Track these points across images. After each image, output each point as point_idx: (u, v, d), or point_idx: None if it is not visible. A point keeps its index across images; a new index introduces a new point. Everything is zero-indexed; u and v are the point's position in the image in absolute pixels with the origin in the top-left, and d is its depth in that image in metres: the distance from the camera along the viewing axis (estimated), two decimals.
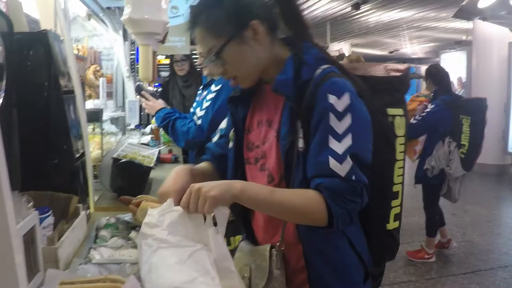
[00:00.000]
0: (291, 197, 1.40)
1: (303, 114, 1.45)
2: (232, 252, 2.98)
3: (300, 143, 1.46)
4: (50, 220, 1.56)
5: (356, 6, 11.21)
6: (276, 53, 1.56)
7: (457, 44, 15.50)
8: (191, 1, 5.25)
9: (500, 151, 10.33)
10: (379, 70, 1.69)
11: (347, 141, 1.39)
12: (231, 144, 1.71)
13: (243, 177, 1.65)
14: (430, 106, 4.84)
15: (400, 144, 1.66)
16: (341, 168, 1.36)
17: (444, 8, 11.46)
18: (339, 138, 1.39)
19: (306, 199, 1.38)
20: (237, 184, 1.37)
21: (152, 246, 1.30)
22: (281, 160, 1.50)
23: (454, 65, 12.74)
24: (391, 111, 1.64)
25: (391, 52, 21.29)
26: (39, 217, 1.46)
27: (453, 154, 4.90)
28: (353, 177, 1.37)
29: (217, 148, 1.81)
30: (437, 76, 5.13)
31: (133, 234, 1.75)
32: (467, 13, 7.17)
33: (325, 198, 1.35)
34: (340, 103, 1.41)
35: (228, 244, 3.05)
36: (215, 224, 1.36)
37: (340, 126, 1.40)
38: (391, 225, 1.66)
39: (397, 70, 1.69)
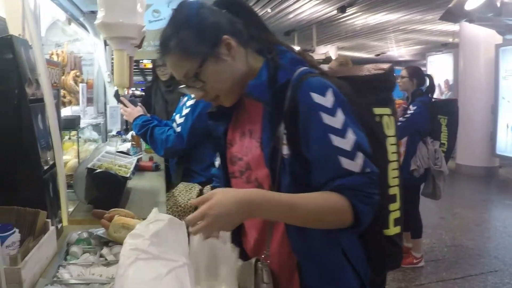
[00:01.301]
0: (315, 208, 1.34)
1: (287, 119, 1.40)
2: None
3: (284, 150, 1.41)
4: (15, 238, 1.46)
5: (342, 9, 11.18)
6: (252, 65, 1.51)
7: (443, 47, 15.54)
8: (173, 4, 5.16)
9: (488, 153, 10.37)
10: (361, 71, 1.63)
11: (350, 135, 1.36)
12: (217, 162, 1.68)
13: None
14: (412, 108, 4.91)
15: (391, 145, 1.59)
16: (355, 164, 1.34)
17: (430, 11, 11.47)
18: (341, 134, 1.36)
19: (329, 206, 1.33)
20: (249, 207, 1.32)
21: (130, 257, 1.23)
22: (267, 168, 1.45)
23: (440, 68, 12.78)
24: (378, 110, 1.57)
25: (378, 55, 21.34)
26: (0, 236, 1.38)
27: (438, 153, 4.96)
28: (368, 169, 1.35)
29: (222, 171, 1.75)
30: (422, 76, 5.19)
31: (105, 250, 1.66)
32: (454, 15, 7.16)
33: (349, 198, 1.32)
34: (326, 99, 1.38)
35: None
36: None
37: (337, 121, 1.36)
38: (392, 230, 1.57)
39: (380, 69, 1.63)
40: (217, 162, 1.76)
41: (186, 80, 1.47)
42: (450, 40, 13.79)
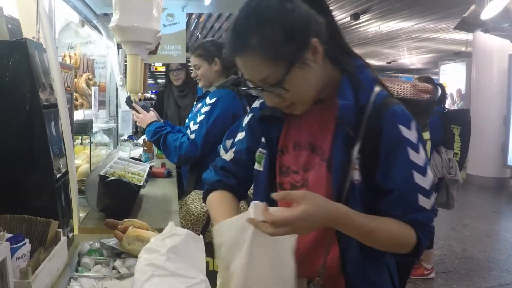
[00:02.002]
0: (388, 237, 1.35)
1: (365, 144, 1.35)
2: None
3: (356, 175, 1.36)
4: (25, 249, 1.41)
5: (356, 16, 11.11)
6: (329, 74, 1.42)
7: (456, 55, 15.45)
8: (188, 8, 5.13)
9: (499, 163, 10.29)
10: (408, 91, 1.57)
11: (429, 173, 1.37)
12: (257, 166, 1.56)
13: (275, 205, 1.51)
14: None
15: None
16: (429, 202, 1.37)
17: (443, 19, 11.39)
18: (423, 172, 1.36)
19: (401, 237, 1.36)
20: (332, 222, 1.29)
21: (146, 273, 1.19)
22: (332, 192, 1.37)
23: (453, 77, 12.69)
24: (425, 135, 1.54)
25: (389, 62, 21.24)
26: (11, 247, 1.32)
27: (452, 162, 4.93)
28: (435, 206, 1.39)
29: (237, 167, 1.64)
30: (435, 85, 5.15)
31: (118, 262, 1.60)
32: (469, 24, 7.10)
33: (417, 232, 1.35)
34: (412, 134, 1.35)
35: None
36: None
37: (420, 159, 1.35)
38: None
39: (426, 91, 1.58)
40: (227, 155, 1.67)
41: (262, 84, 1.33)
42: (463, 49, 13.72)
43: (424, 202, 1.35)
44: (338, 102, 1.35)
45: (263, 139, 1.56)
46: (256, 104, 1.63)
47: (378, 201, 1.37)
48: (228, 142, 1.70)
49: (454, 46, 15.34)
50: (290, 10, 1.28)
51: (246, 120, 1.66)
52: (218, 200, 1.61)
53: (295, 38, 1.28)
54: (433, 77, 5.62)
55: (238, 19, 1.33)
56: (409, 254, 1.37)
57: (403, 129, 1.34)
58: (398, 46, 16.27)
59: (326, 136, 1.43)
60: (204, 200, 1.68)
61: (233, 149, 1.65)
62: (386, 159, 1.35)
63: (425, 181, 1.35)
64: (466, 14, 7.09)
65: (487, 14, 6.69)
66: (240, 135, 1.65)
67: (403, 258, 1.46)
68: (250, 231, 1.28)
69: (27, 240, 1.42)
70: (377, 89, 1.42)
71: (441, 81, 11.06)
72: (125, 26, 2.34)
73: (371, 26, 12.88)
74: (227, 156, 1.67)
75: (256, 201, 1.27)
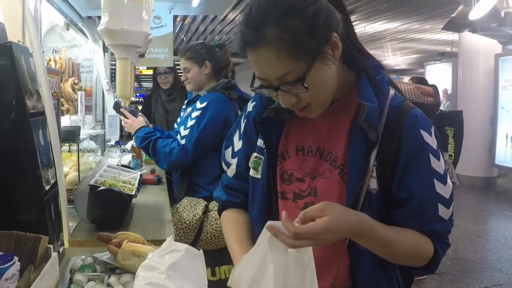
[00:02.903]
0: (407, 250, 1.29)
1: (383, 150, 1.27)
2: (218, 283, 2.76)
3: (373, 184, 1.28)
4: (15, 269, 1.30)
5: None
6: (344, 74, 1.33)
7: (441, 56, 15.52)
8: (175, 10, 5.04)
9: (486, 163, 10.40)
10: (413, 93, 1.52)
11: (449, 181, 1.30)
12: (253, 172, 1.46)
13: (276, 216, 1.40)
14: None
15: None
16: (448, 213, 1.31)
17: (428, 20, 11.42)
18: (443, 180, 1.29)
19: (419, 249, 1.30)
20: (356, 234, 1.21)
21: None
22: (345, 202, 1.28)
23: (439, 77, 12.72)
24: None
25: None
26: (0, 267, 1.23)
27: (448, 164, 4.87)
28: (452, 217, 1.33)
29: (241, 182, 1.54)
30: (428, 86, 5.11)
31: (112, 279, 1.51)
32: (457, 25, 7.10)
33: (435, 244, 1.30)
34: (433, 140, 1.30)
35: (213, 275, 2.83)
36: None
37: (440, 166, 1.29)
38: None
39: (429, 94, 1.52)
40: (230, 170, 1.57)
41: (279, 82, 1.20)
42: (448, 49, 13.78)
43: (444, 212, 1.29)
44: (363, 103, 1.26)
45: (259, 143, 1.46)
46: (250, 108, 1.54)
47: (393, 210, 1.31)
48: (228, 153, 1.59)
49: (439, 46, 15.41)
50: (313, 0, 1.18)
51: (242, 126, 1.56)
52: (229, 220, 1.56)
53: (318, 30, 1.17)
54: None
55: (253, 9, 1.20)
56: (424, 267, 1.32)
57: (425, 135, 1.28)
58: (383, 47, 16.30)
59: (338, 141, 1.34)
60: (220, 215, 1.64)
61: (235, 163, 1.55)
62: (406, 166, 1.27)
63: (445, 190, 1.29)
64: (454, 15, 7.10)
65: (475, 14, 6.70)
66: (238, 145, 1.55)
67: (418, 271, 1.37)
68: (269, 257, 1.17)
69: (16, 259, 1.32)
70: (392, 92, 1.35)
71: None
72: (115, 29, 2.25)
73: (356, 27, 12.63)
74: (230, 172, 1.57)
75: (269, 223, 1.16)
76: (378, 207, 1.30)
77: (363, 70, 1.34)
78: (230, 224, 1.54)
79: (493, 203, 9.24)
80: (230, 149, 1.58)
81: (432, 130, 1.31)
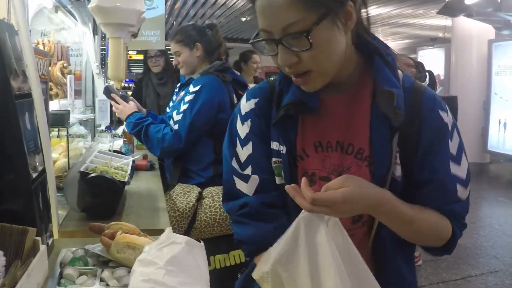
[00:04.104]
0: (428, 226, 1.26)
1: (404, 135, 1.23)
2: (212, 273, 2.69)
3: (398, 171, 1.24)
4: (0, 264, 1.21)
5: None
6: (351, 53, 1.26)
7: (433, 41, 15.54)
8: None
9: (479, 149, 10.50)
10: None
11: (464, 161, 1.28)
12: (278, 179, 1.35)
13: None
14: None
15: None
16: (465, 192, 1.29)
17: (421, 5, 11.42)
18: (458, 161, 1.27)
19: (439, 227, 1.28)
20: (376, 209, 1.18)
21: None
22: None
23: (431, 62, 12.69)
24: None
25: None
26: None
27: None
28: (469, 197, 1.31)
29: (267, 196, 1.37)
30: (424, 72, 5.09)
31: (105, 273, 1.41)
32: (453, 9, 7.08)
33: (453, 225, 1.29)
34: (449, 119, 1.26)
35: (208, 264, 2.76)
36: None
37: (454, 146, 1.26)
38: None
39: (410, 65, 1.48)
40: (252, 180, 1.37)
41: (283, 33, 1.12)
42: (440, 34, 13.78)
43: (462, 192, 1.27)
44: (390, 90, 1.19)
45: (274, 146, 1.34)
46: (251, 106, 1.40)
47: (413, 191, 1.26)
48: (236, 167, 1.41)
49: (432, 32, 15.45)
50: None
51: (243, 131, 1.40)
52: None
53: None
54: None
55: None
56: (443, 246, 1.31)
57: (444, 115, 1.25)
58: (375, 32, 16.08)
59: (359, 131, 1.27)
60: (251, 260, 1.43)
61: (250, 171, 1.37)
62: (427, 149, 1.24)
63: (460, 170, 1.27)
64: None
65: None
66: (246, 151, 1.39)
67: (436, 252, 1.35)
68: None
69: (1, 253, 1.22)
70: (400, 73, 1.29)
71: None
72: (107, 6, 2.15)
73: None
74: (249, 186, 1.37)
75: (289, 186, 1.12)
76: (403, 195, 1.24)
77: (376, 52, 1.27)
78: None
79: (486, 189, 9.24)
80: (235, 161, 1.41)
81: (447, 108, 1.29)
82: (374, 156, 1.24)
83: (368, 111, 1.26)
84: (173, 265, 1.09)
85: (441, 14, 7.55)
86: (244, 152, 1.39)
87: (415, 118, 1.23)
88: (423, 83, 1.43)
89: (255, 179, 1.36)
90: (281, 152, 1.32)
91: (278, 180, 1.35)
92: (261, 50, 1.23)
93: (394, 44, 19.90)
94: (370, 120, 1.25)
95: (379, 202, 1.16)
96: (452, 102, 5.22)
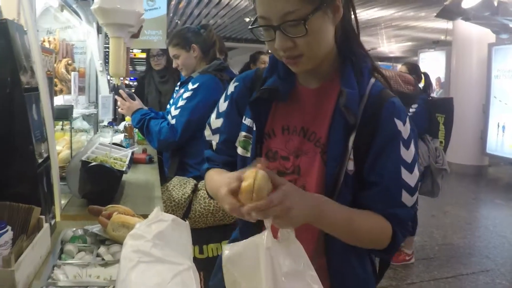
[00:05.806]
0: (367, 226, 1.32)
1: (361, 134, 1.32)
2: (205, 261, 2.80)
3: (350, 166, 1.33)
4: (7, 236, 1.36)
5: None
6: (333, 53, 1.40)
7: (435, 44, 15.53)
8: None
9: (478, 151, 10.44)
10: (394, 79, 1.56)
11: (416, 171, 1.35)
12: (242, 151, 1.50)
13: None
14: (413, 106, 4.82)
15: None
16: (411, 200, 1.35)
17: (424, 8, 11.41)
18: (410, 169, 1.33)
19: (378, 228, 1.33)
20: (317, 210, 1.23)
21: (132, 260, 1.15)
22: (324, 181, 1.34)
23: (432, 65, 12.74)
24: None
25: (368, 50, 21.04)
26: None
27: (439, 151, 5.00)
28: (416, 205, 1.38)
29: (221, 156, 1.59)
30: (420, 74, 5.21)
31: (102, 249, 1.56)
32: (450, 13, 7.14)
33: (394, 227, 1.33)
34: (405, 129, 1.33)
35: (201, 252, 2.89)
36: None
37: (409, 155, 1.33)
38: None
39: (409, 83, 1.58)
40: (214, 142, 1.62)
41: (281, 20, 1.23)
42: (442, 37, 13.79)
43: (407, 199, 1.33)
44: (343, 89, 1.32)
45: (248, 123, 1.49)
46: (231, 88, 1.60)
47: (361, 192, 1.35)
48: (208, 131, 1.67)
49: (434, 34, 15.39)
50: None
51: (222, 107, 1.61)
52: (213, 173, 1.58)
53: None
54: None
55: None
56: (384, 250, 1.36)
57: (399, 124, 1.32)
58: (377, 34, 16.27)
59: (322, 122, 1.38)
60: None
61: (216, 140, 1.61)
62: (378, 152, 1.32)
63: (411, 178, 1.33)
64: (447, 2, 7.14)
65: (468, 2, 6.74)
66: (217, 123, 1.61)
67: (377, 253, 1.43)
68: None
69: (9, 227, 1.37)
70: (372, 80, 1.40)
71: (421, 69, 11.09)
72: (108, 8, 2.29)
73: None
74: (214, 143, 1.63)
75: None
76: (353, 188, 1.35)
77: (349, 58, 1.39)
78: (214, 174, 1.56)
79: (484, 191, 9.26)
80: (208, 127, 1.65)
81: (407, 120, 1.35)
82: (328, 148, 1.35)
83: (333, 106, 1.38)
84: (159, 239, 1.21)
85: (439, 17, 7.62)
86: (216, 122, 1.62)
87: (373, 121, 1.32)
88: (411, 92, 1.56)
89: (214, 145, 1.62)
90: (252, 128, 1.47)
91: (242, 152, 1.50)
92: (259, 36, 1.36)
93: (397, 47, 19.89)
94: (332, 114, 1.37)
95: (320, 206, 1.24)
96: (447, 103, 5.29)
